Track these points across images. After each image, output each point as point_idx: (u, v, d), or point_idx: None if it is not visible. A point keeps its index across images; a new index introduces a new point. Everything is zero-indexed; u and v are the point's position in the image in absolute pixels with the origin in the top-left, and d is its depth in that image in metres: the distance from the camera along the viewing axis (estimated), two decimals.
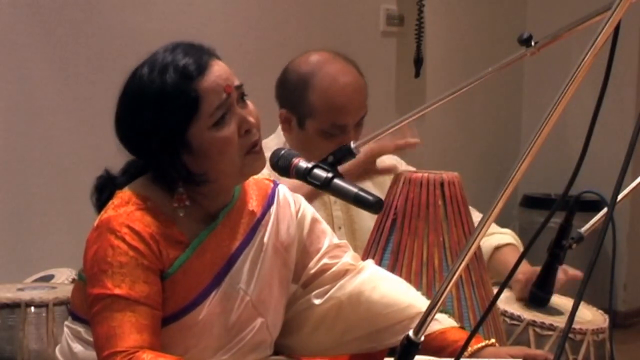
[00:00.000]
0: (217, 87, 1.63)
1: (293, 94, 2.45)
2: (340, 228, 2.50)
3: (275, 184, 1.85)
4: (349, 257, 1.88)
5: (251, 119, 1.68)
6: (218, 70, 1.65)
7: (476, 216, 2.47)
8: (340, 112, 2.41)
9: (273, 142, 2.50)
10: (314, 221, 1.87)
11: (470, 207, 2.53)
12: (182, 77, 1.62)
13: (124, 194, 1.68)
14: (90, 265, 1.64)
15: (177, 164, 1.65)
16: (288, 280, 1.84)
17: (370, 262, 1.91)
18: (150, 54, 1.68)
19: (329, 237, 1.88)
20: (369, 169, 2.51)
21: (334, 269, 1.85)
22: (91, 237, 1.66)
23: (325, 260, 1.85)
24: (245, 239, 1.76)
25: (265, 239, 1.78)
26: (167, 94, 1.61)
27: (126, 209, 1.65)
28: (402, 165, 2.59)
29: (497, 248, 2.47)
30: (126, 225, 1.63)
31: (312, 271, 1.85)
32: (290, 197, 1.85)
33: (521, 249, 2.50)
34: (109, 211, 1.66)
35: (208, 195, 1.71)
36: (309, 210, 1.88)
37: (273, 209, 1.81)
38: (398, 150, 2.46)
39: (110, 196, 1.70)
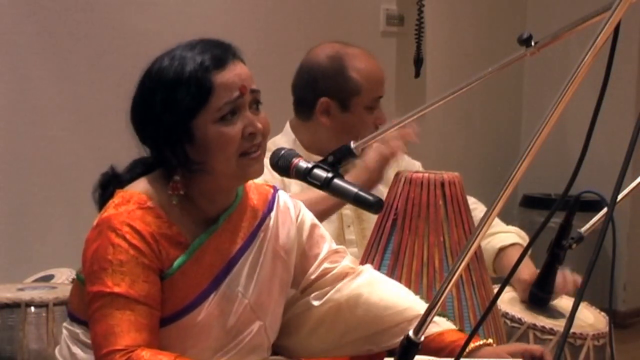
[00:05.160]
0: (232, 85, 1.65)
1: (334, 78, 2.46)
2: (349, 226, 2.51)
3: (275, 190, 1.86)
4: (347, 260, 1.88)
5: (258, 124, 1.68)
6: (238, 70, 1.67)
7: (480, 210, 2.46)
8: (379, 84, 2.49)
9: (281, 140, 2.51)
10: (313, 226, 1.87)
11: (475, 200, 2.51)
12: (201, 66, 1.63)
13: (125, 193, 1.68)
14: (90, 264, 1.63)
15: (177, 150, 1.65)
16: (288, 284, 1.84)
17: (368, 266, 1.92)
18: (176, 45, 1.69)
19: (327, 243, 1.88)
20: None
21: (334, 271, 1.85)
22: (91, 235, 1.65)
23: (325, 265, 1.86)
24: (245, 243, 1.76)
25: (265, 244, 1.78)
26: (183, 79, 1.63)
27: (127, 208, 1.65)
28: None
29: (502, 249, 2.45)
30: (127, 224, 1.62)
31: (313, 276, 1.85)
32: (290, 203, 1.85)
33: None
34: (109, 210, 1.65)
35: (206, 195, 1.71)
36: (308, 215, 1.88)
37: (273, 214, 1.81)
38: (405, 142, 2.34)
39: (112, 194, 1.70)
